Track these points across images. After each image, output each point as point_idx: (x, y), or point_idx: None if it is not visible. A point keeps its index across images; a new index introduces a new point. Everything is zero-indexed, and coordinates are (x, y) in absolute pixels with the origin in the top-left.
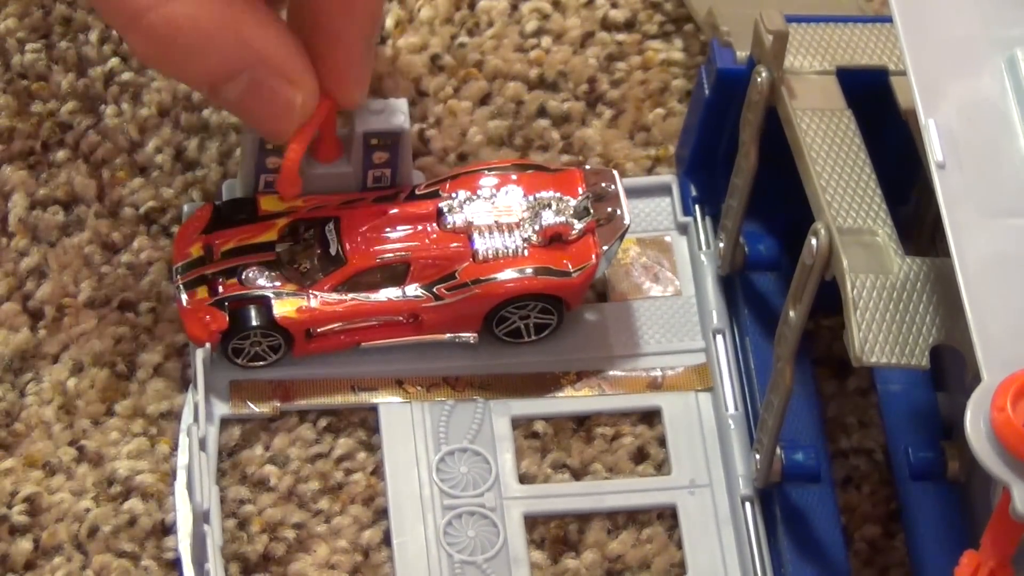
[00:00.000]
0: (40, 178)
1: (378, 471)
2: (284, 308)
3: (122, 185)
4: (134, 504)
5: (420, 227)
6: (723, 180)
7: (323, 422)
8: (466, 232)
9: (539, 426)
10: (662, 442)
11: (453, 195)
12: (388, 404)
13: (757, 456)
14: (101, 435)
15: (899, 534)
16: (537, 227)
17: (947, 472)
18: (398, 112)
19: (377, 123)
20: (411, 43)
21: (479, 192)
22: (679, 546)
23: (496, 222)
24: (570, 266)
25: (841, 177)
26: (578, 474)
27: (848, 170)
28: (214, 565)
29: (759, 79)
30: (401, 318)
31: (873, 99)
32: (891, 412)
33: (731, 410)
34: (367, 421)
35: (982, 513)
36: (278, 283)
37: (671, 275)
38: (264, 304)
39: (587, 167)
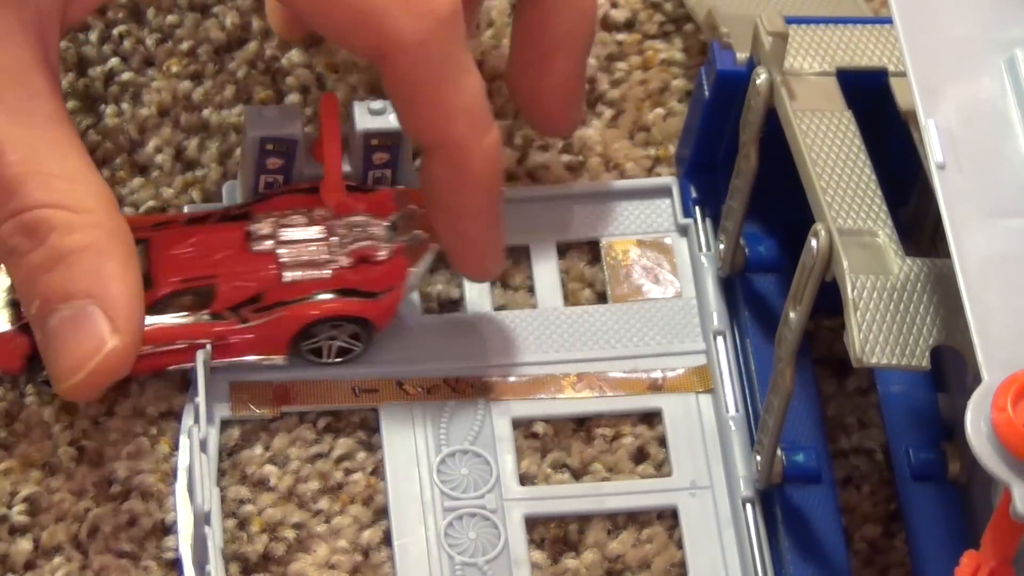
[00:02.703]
0: None
1: (378, 471)
2: None
3: (122, 185)
4: (134, 504)
5: (228, 249)
6: (723, 181)
7: (323, 422)
8: (273, 254)
9: (539, 427)
10: (662, 442)
11: (262, 217)
12: (389, 406)
13: (758, 457)
14: (101, 435)
15: (899, 534)
16: (345, 249)
17: (948, 473)
18: None
19: (377, 123)
20: None
21: (288, 213)
22: (679, 546)
23: (304, 244)
24: (377, 288)
25: (841, 178)
26: (578, 474)
27: (848, 171)
28: (215, 567)
29: (759, 80)
30: (209, 341)
31: (873, 100)
32: (892, 413)
33: (732, 412)
34: (367, 421)
35: (983, 514)
36: None
37: (671, 277)
38: None
39: (399, 187)
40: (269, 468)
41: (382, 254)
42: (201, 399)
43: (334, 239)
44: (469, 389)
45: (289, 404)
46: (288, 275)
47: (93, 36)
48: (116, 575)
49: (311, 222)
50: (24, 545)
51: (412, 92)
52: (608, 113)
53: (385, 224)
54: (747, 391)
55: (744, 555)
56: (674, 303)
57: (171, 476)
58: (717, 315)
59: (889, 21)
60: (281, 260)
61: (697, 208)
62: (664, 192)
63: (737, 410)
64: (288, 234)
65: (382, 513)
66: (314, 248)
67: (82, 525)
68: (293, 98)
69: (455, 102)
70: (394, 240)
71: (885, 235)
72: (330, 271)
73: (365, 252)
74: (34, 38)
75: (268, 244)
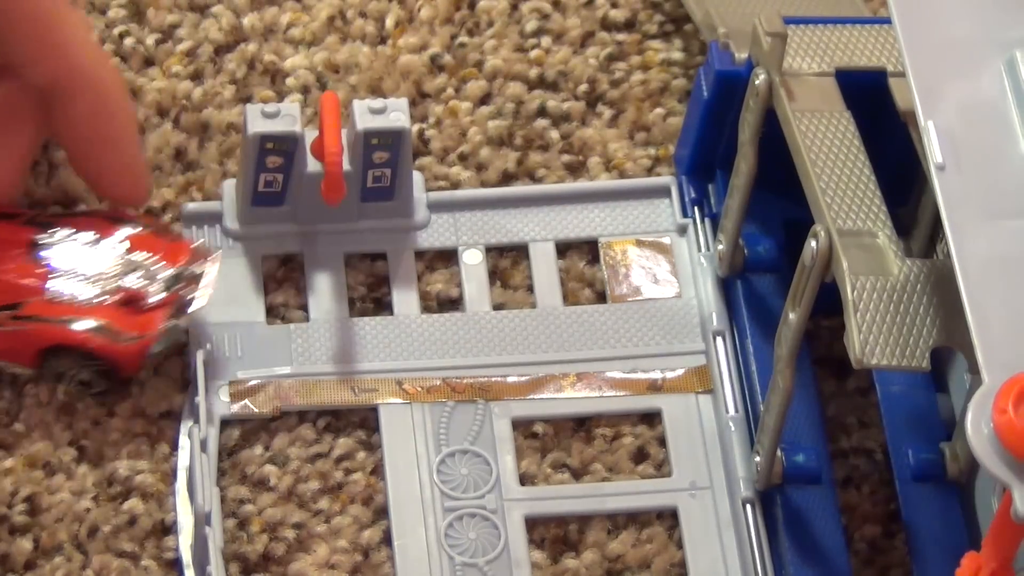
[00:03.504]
0: (40, 178)
1: (378, 470)
2: None
3: None
4: (134, 504)
5: (11, 252)
6: (722, 182)
7: (323, 422)
8: (47, 268)
9: (539, 427)
10: (662, 442)
11: (56, 230)
12: (388, 406)
13: (757, 458)
14: (101, 435)
15: (899, 534)
16: (117, 286)
17: (948, 473)
18: (398, 111)
19: (377, 122)
20: (411, 43)
21: (82, 235)
22: (679, 546)
23: (80, 269)
24: (132, 333)
25: (841, 179)
26: (578, 474)
27: (847, 172)
28: (215, 567)
29: (758, 81)
30: None
31: (872, 101)
32: (892, 414)
33: (731, 412)
34: (367, 421)
35: (982, 514)
36: None
37: (671, 277)
38: None
39: (200, 241)
40: (269, 468)
41: (149, 302)
42: (201, 399)
43: (113, 271)
44: (469, 389)
45: (289, 404)
46: (52, 293)
47: (93, 36)
48: (116, 575)
49: (99, 249)
50: (24, 545)
51: None
52: (608, 113)
53: (168, 273)
54: (747, 391)
55: (744, 555)
56: (673, 303)
57: (171, 476)
58: (716, 315)
59: (888, 21)
60: (51, 276)
61: (696, 208)
62: (663, 192)
63: (737, 410)
64: (71, 254)
65: (382, 513)
66: (90, 277)
67: (82, 525)
68: (293, 98)
69: None
70: (169, 291)
71: (885, 236)
72: (96, 302)
73: (133, 295)
74: None
75: (47, 257)
